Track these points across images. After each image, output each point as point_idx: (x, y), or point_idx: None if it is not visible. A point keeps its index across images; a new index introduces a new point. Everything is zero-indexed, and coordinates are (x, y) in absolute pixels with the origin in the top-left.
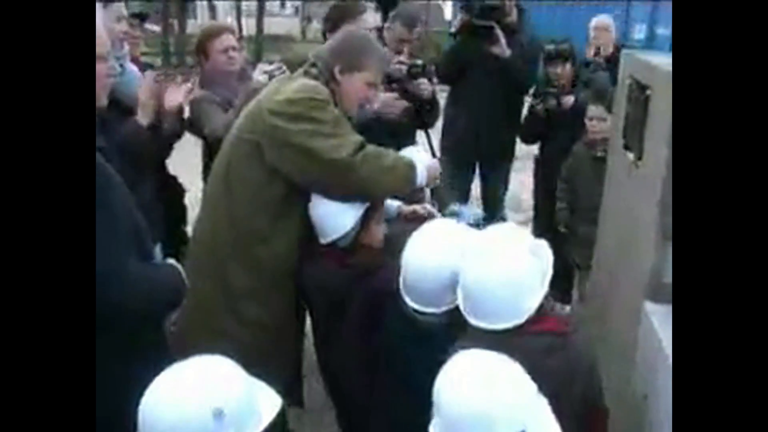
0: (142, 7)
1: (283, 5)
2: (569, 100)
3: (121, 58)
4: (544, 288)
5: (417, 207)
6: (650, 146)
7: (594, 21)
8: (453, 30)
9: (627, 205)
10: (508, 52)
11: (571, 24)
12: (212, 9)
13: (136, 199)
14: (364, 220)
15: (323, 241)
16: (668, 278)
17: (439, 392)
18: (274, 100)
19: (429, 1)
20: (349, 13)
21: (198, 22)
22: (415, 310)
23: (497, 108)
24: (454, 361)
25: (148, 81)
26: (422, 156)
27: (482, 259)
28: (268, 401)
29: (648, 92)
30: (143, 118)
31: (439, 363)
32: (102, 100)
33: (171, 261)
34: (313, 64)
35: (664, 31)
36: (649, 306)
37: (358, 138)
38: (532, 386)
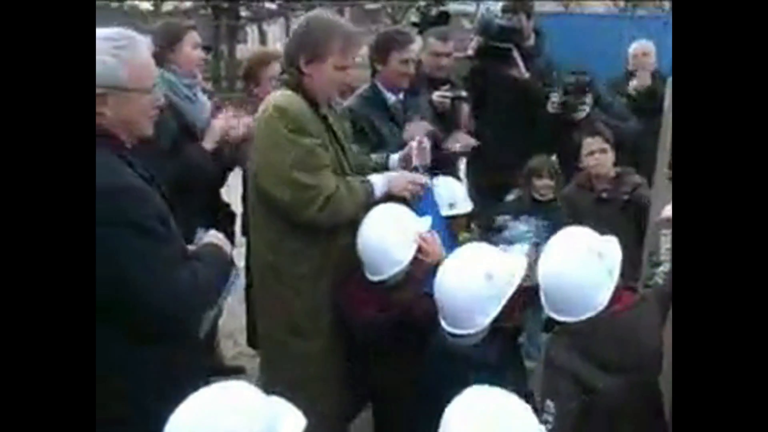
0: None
1: None
2: (584, 108)
3: (193, 86)
4: (613, 281)
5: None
6: None
7: (633, 47)
8: (470, 53)
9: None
10: (526, 75)
11: (610, 38)
12: (262, 34)
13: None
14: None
15: (375, 278)
16: None
17: (446, 424)
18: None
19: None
20: (397, 43)
21: (248, 47)
22: (451, 334)
23: (517, 130)
24: (464, 395)
25: (225, 115)
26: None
27: (550, 262)
28: (292, 421)
29: None
30: (208, 143)
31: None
32: (148, 130)
33: (211, 237)
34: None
35: None
36: None
37: (323, 185)
38: (535, 422)
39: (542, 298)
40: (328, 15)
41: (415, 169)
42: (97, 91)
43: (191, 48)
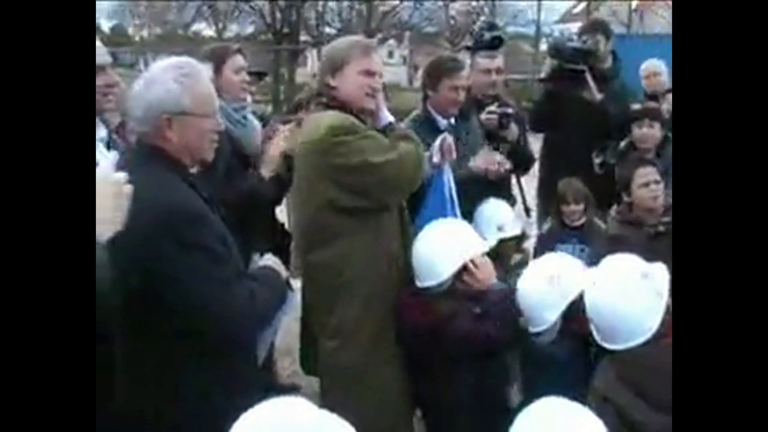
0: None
1: (390, 54)
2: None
3: (241, 110)
4: (663, 305)
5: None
6: None
7: (643, 67)
8: (543, 76)
9: None
10: (598, 97)
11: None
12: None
13: (242, 242)
14: (467, 267)
15: (419, 284)
16: None
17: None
18: None
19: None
20: (448, 70)
21: (308, 71)
22: (531, 333)
23: (589, 153)
24: (533, 407)
25: (276, 134)
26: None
27: (598, 290)
28: None
29: None
30: (266, 170)
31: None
32: (209, 154)
33: (267, 261)
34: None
35: None
36: None
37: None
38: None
39: (592, 327)
40: (344, 37)
41: (438, 167)
42: (163, 116)
43: (233, 72)
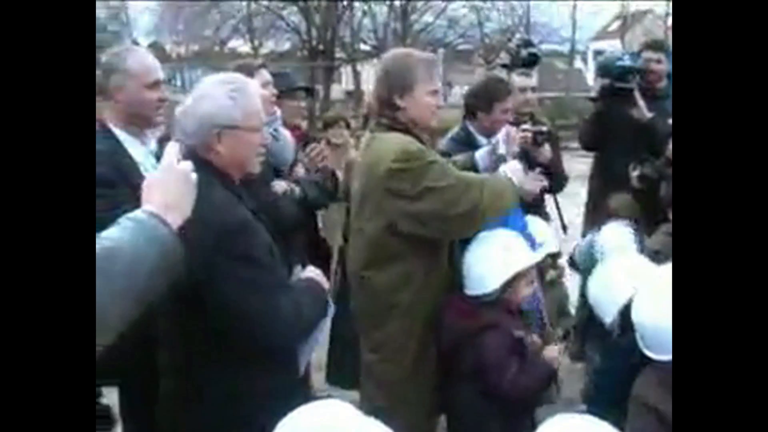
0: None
1: None
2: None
3: (272, 123)
4: None
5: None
6: None
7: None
8: (594, 95)
9: None
10: (648, 116)
11: None
12: (356, 74)
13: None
14: (515, 280)
15: (468, 292)
16: None
17: None
18: None
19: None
20: (501, 93)
21: (342, 87)
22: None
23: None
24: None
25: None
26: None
27: (642, 300)
28: None
29: None
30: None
31: None
32: (256, 167)
33: (310, 273)
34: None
35: None
36: None
37: (461, 180)
38: None
39: (637, 336)
40: (402, 50)
41: (503, 159)
42: (214, 130)
43: (261, 87)
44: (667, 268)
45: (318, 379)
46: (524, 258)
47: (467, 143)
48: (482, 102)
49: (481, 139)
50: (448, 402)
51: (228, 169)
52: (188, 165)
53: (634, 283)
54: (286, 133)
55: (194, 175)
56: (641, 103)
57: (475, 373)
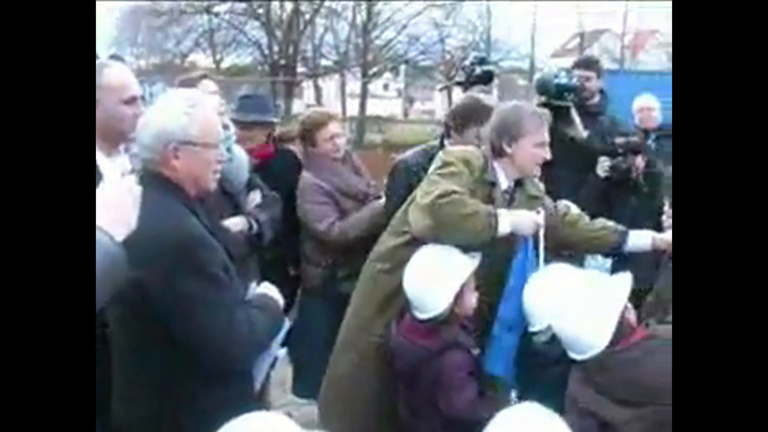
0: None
1: (386, 87)
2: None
3: (225, 141)
4: (616, 317)
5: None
6: None
7: (636, 102)
8: None
9: None
10: (584, 134)
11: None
12: (318, 90)
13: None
14: (461, 290)
15: (421, 316)
16: None
17: None
18: None
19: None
20: (479, 117)
21: (304, 102)
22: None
23: (570, 190)
24: (505, 413)
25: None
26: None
27: (555, 302)
28: None
29: None
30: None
31: None
32: (212, 184)
33: (264, 289)
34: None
35: None
36: None
37: (451, 187)
38: None
39: (562, 340)
40: (515, 103)
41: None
42: (170, 145)
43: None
44: (579, 274)
45: (277, 394)
46: (464, 268)
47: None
48: (459, 122)
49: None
50: (408, 428)
51: (184, 184)
52: (131, 179)
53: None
54: (239, 152)
55: (138, 189)
56: (577, 120)
57: (434, 396)
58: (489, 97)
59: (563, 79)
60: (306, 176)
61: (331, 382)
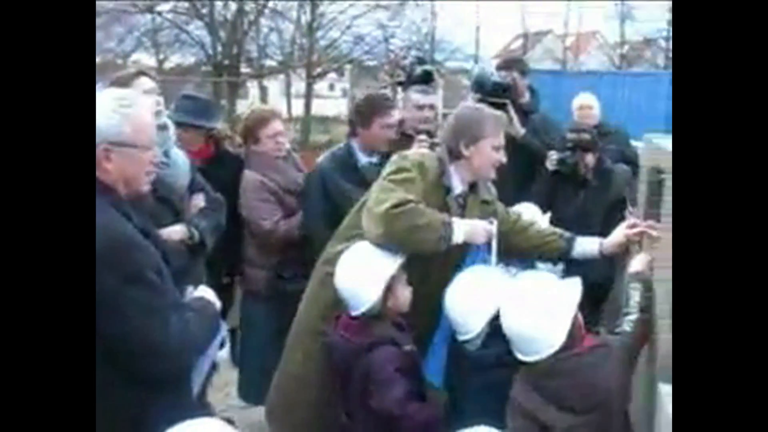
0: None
1: (331, 87)
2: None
3: (162, 143)
4: (568, 321)
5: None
6: (665, 228)
7: (576, 100)
8: None
9: None
10: (522, 131)
11: (614, 94)
12: (263, 90)
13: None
14: (390, 285)
15: (354, 313)
16: None
17: None
18: None
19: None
20: (381, 108)
21: (248, 102)
22: (462, 341)
23: (512, 188)
24: None
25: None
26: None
27: (507, 307)
28: None
29: (663, 176)
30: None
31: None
32: (144, 186)
33: (201, 292)
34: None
35: None
36: (664, 388)
37: (407, 196)
38: None
39: (511, 342)
40: (474, 105)
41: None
42: (102, 146)
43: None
44: (528, 272)
45: (218, 398)
46: (391, 262)
47: (347, 161)
48: (361, 117)
49: (362, 157)
50: (344, 429)
51: (116, 185)
52: None
53: (496, 294)
54: (179, 156)
55: None
56: (515, 118)
57: (365, 393)
58: (434, 97)
59: (498, 77)
60: (249, 174)
61: (279, 384)
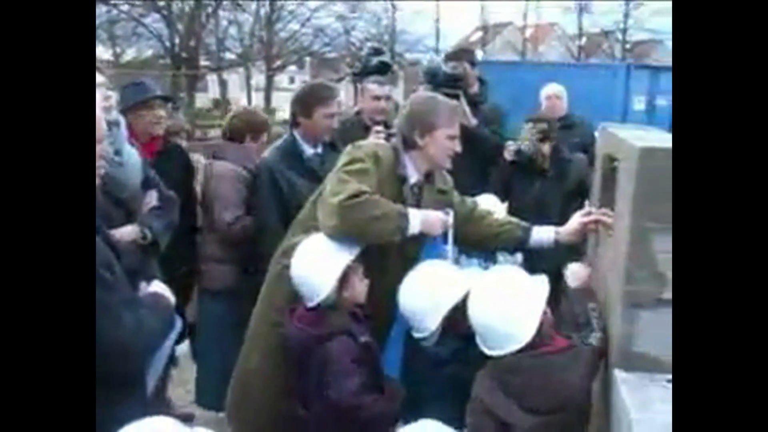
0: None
1: (292, 80)
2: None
3: (114, 141)
4: (538, 316)
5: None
6: (617, 216)
7: (545, 90)
8: None
9: (602, 273)
10: (474, 122)
11: (572, 85)
12: (223, 83)
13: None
14: (345, 276)
15: (310, 304)
16: (638, 347)
17: None
18: None
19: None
20: (322, 97)
21: (209, 96)
22: (417, 340)
23: (468, 179)
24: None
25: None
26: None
27: (475, 299)
28: None
29: (616, 163)
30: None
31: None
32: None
33: (155, 287)
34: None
35: (664, 102)
36: (619, 374)
37: (361, 187)
38: None
39: (476, 333)
40: (428, 94)
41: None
42: None
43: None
44: (504, 268)
45: (179, 394)
46: (346, 253)
47: (292, 153)
48: (303, 107)
49: (307, 149)
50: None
51: None
52: None
53: (455, 289)
54: (132, 155)
55: None
56: (467, 109)
57: (321, 383)
58: (383, 88)
59: (449, 68)
60: (224, 164)
61: (238, 380)
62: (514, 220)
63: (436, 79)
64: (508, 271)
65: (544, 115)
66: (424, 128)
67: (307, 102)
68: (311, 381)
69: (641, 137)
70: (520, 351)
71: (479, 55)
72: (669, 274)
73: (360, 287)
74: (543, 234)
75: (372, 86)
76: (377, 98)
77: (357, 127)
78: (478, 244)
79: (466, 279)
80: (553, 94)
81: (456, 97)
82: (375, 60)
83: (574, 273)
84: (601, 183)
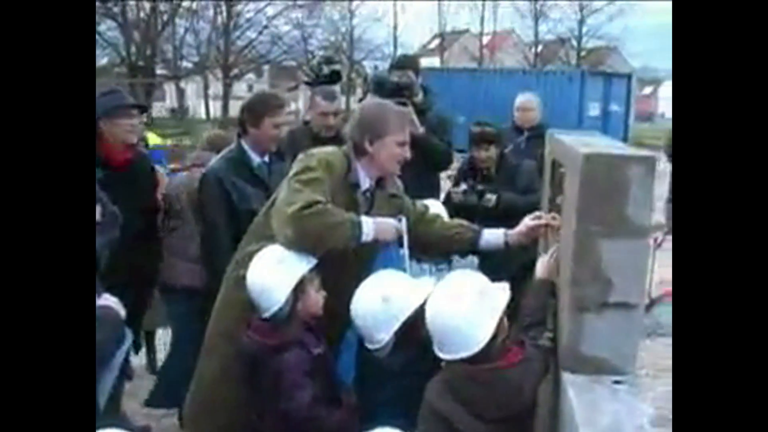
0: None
1: (250, 88)
2: (491, 199)
3: None
4: (494, 322)
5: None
6: (564, 221)
7: (518, 100)
8: None
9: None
10: (421, 130)
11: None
12: (180, 91)
13: None
14: (301, 287)
15: (264, 315)
16: (585, 349)
17: None
18: None
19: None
20: (271, 107)
21: (167, 104)
22: (370, 350)
23: (416, 186)
24: None
25: None
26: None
27: (435, 301)
28: None
29: (562, 170)
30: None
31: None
32: None
33: (105, 300)
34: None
35: (617, 108)
36: (568, 377)
37: (315, 196)
38: None
39: (431, 335)
40: (378, 101)
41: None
42: None
43: None
44: (463, 273)
45: (133, 407)
46: (303, 263)
47: (241, 162)
48: (251, 116)
49: (254, 156)
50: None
51: None
52: None
53: (407, 303)
54: None
55: None
56: (414, 118)
57: (274, 395)
58: (332, 104)
59: (395, 77)
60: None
61: (196, 389)
62: (465, 223)
63: (383, 89)
64: (469, 275)
65: (490, 121)
66: (373, 135)
67: (256, 111)
68: (265, 392)
69: (587, 143)
70: (475, 362)
71: (436, 62)
72: (614, 279)
73: (316, 298)
74: (492, 237)
75: (322, 103)
76: (325, 115)
77: (305, 137)
78: (430, 247)
79: (418, 292)
80: (526, 106)
81: (403, 105)
82: (326, 69)
83: (543, 263)
84: (549, 188)
